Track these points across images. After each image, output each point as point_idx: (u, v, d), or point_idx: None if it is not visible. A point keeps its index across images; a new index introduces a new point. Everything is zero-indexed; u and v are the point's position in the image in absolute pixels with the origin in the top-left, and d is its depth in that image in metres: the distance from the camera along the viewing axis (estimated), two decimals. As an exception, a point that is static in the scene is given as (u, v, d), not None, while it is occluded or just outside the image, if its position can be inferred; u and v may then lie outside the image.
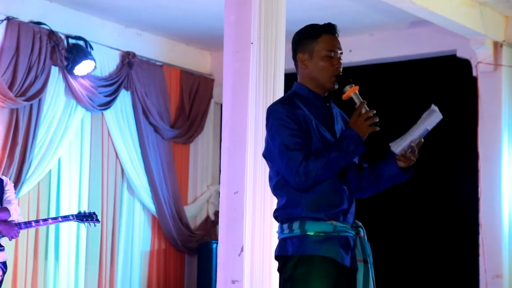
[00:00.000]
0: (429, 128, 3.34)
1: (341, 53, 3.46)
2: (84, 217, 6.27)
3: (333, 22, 3.52)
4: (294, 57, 3.51)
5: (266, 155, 3.42)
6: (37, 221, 6.24)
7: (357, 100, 3.36)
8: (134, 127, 8.36)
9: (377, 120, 3.29)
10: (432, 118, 3.33)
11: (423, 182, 8.28)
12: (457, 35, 7.55)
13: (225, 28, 5.22)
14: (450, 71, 8.26)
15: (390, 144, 3.33)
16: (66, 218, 6.29)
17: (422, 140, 3.37)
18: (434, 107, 3.34)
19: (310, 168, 3.23)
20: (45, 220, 6.35)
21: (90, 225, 6.36)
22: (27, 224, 6.03)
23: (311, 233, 3.30)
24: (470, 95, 7.76)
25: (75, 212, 6.41)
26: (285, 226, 3.35)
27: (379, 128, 3.31)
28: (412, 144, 3.33)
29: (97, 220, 6.34)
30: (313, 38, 3.43)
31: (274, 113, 3.35)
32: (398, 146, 3.32)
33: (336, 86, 3.43)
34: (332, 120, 3.47)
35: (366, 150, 3.32)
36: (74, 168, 7.72)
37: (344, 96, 3.38)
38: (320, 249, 3.28)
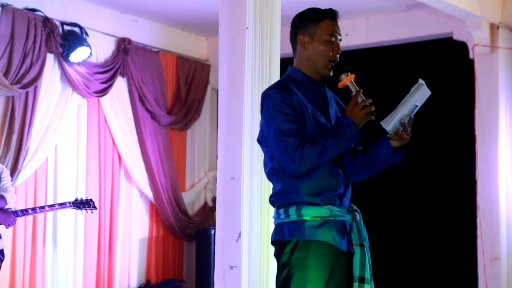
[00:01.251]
0: (419, 104, 3.36)
1: (340, 39, 3.49)
2: (81, 204, 6.28)
3: (329, 6, 3.54)
4: (294, 38, 3.51)
5: (261, 140, 3.42)
6: (33, 209, 6.21)
7: (353, 88, 3.37)
8: (130, 114, 8.34)
9: (373, 109, 3.31)
10: (421, 93, 3.34)
11: (420, 165, 8.29)
12: (453, 17, 7.53)
13: (220, 13, 5.20)
14: (447, 53, 8.24)
15: (380, 123, 3.34)
16: (63, 205, 6.28)
17: (413, 117, 3.38)
18: (421, 81, 3.36)
19: (306, 154, 3.24)
20: (41, 207, 6.33)
21: (87, 212, 6.38)
22: (24, 212, 6.01)
23: (308, 218, 3.31)
24: (467, 78, 7.75)
25: (72, 200, 6.39)
26: (281, 211, 3.36)
27: (374, 117, 3.33)
28: (403, 120, 3.35)
29: (94, 206, 6.35)
30: (316, 22, 3.45)
31: (269, 98, 3.35)
32: (389, 123, 3.33)
33: (331, 74, 3.44)
34: (327, 104, 3.49)
35: (361, 137, 3.34)
36: (71, 156, 7.71)
37: (340, 84, 3.40)
38: (317, 233, 3.30)
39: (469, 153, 7.70)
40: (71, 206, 6.24)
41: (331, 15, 3.47)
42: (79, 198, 6.34)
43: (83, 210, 6.33)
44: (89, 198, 6.38)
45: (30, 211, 6.11)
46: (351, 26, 8.17)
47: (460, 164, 8.13)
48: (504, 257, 7.44)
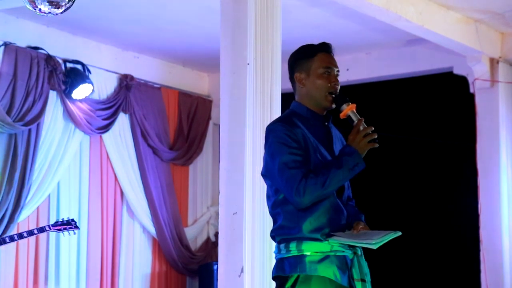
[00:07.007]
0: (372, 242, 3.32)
1: (338, 71, 3.50)
2: (62, 225, 5.99)
3: (329, 41, 3.57)
4: (292, 77, 3.54)
5: (265, 173, 3.43)
6: (11, 237, 5.89)
7: (355, 118, 3.37)
8: (133, 150, 8.35)
9: (376, 136, 3.30)
10: (378, 237, 3.32)
11: (423, 199, 8.29)
12: (453, 52, 7.58)
13: (221, 49, 5.24)
14: (447, 88, 8.28)
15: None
16: (42, 229, 5.97)
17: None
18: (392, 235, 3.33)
19: (310, 186, 3.24)
20: (20, 234, 5.96)
21: (69, 233, 6.06)
22: (0, 241, 5.83)
23: (308, 253, 3.30)
24: (468, 112, 7.77)
25: (52, 222, 6.10)
26: (282, 246, 3.36)
27: (378, 145, 3.32)
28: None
29: (76, 226, 6.04)
30: (309, 57, 3.48)
31: (274, 132, 3.37)
32: (337, 237, 3.31)
33: (334, 106, 3.45)
34: (331, 139, 3.49)
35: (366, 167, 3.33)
36: (73, 192, 7.71)
37: (342, 115, 3.40)
38: (318, 268, 3.28)
39: (471, 187, 7.69)
40: (50, 229, 5.94)
41: (324, 48, 3.50)
42: (59, 220, 6.04)
43: (65, 232, 6.02)
44: (70, 218, 6.07)
45: (7, 240, 5.83)
46: (352, 61, 8.21)
47: (462, 198, 8.12)
48: (509, 291, 7.42)
